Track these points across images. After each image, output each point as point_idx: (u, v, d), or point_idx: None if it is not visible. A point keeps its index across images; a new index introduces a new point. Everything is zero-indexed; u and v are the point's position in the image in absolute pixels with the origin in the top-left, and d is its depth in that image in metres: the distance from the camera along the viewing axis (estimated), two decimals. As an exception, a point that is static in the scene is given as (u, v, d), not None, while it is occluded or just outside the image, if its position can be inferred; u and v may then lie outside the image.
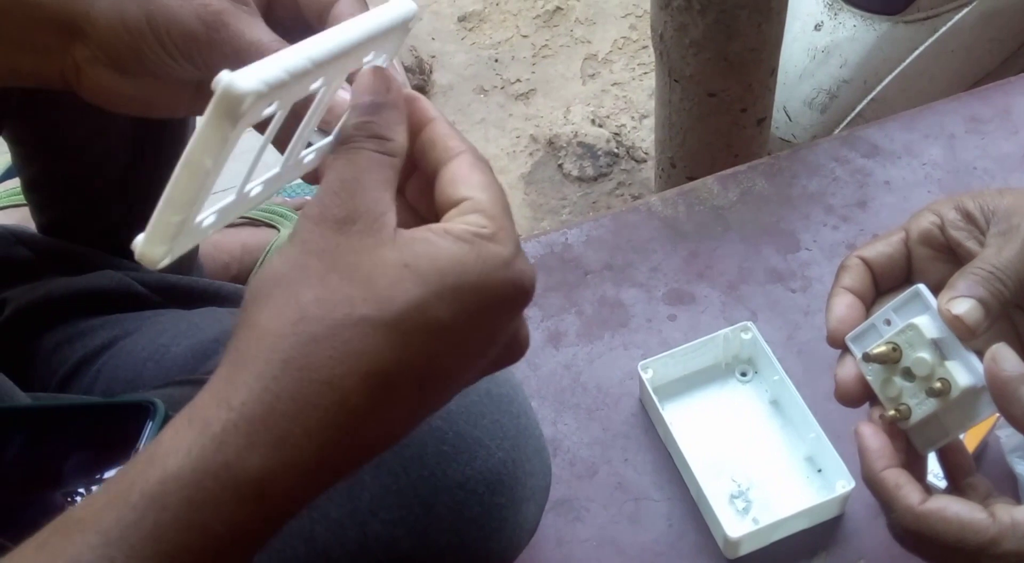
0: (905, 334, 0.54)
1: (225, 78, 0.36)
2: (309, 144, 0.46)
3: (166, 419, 0.56)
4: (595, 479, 0.84)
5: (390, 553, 0.59)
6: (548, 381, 0.91)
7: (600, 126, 1.63)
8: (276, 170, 0.46)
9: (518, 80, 1.72)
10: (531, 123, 1.65)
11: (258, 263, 1.15)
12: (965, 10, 1.32)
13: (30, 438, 0.58)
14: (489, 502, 0.61)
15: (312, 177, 0.47)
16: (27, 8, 0.47)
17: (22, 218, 1.01)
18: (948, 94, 1.15)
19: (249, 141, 0.42)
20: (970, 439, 0.79)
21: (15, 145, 0.86)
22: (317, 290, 0.39)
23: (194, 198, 0.39)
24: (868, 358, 0.55)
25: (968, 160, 1.04)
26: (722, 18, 1.06)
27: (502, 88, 1.71)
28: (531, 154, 1.61)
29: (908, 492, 0.52)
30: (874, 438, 0.55)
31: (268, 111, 0.39)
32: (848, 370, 0.57)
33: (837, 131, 1.38)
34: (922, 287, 0.55)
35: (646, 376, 0.85)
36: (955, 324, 0.53)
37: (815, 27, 1.38)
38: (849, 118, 1.39)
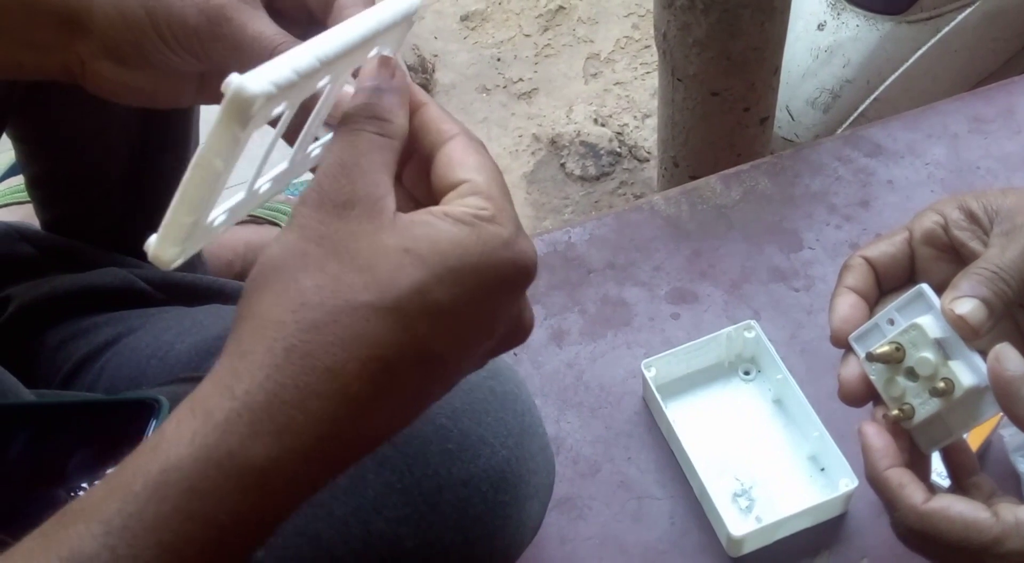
0: (908, 334, 0.54)
1: (235, 81, 0.36)
2: (316, 139, 0.46)
3: (170, 416, 0.56)
4: (598, 477, 0.84)
5: (394, 551, 0.59)
6: (551, 379, 0.91)
7: (602, 125, 1.63)
8: (284, 165, 0.46)
9: (520, 79, 1.72)
10: (533, 122, 1.65)
11: (260, 261, 1.15)
12: (968, 10, 1.32)
13: (34, 435, 0.58)
14: (493, 500, 0.61)
15: None
16: (28, 3, 0.48)
17: (26, 215, 1.01)
18: (951, 94, 1.14)
19: (256, 138, 0.42)
20: (973, 438, 0.79)
21: (19, 142, 0.87)
22: (316, 277, 0.39)
23: (206, 199, 0.39)
24: (871, 358, 0.55)
25: (971, 160, 1.04)
26: (725, 17, 1.06)
27: (504, 87, 1.71)
28: (533, 153, 1.61)
29: (912, 491, 0.52)
30: (878, 437, 0.55)
31: (277, 110, 0.39)
32: (852, 370, 0.57)
33: (840, 131, 1.38)
34: (925, 287, 0.55)
35: (649, 375, 0.85)
36: (958, 324, 0.53)
37: (818, 26, 1.38)
38: (852, 118, 1.39)
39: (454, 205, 0.42)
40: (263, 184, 0.44)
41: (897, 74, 1.35)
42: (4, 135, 0.84)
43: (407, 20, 0.46)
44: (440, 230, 0.40)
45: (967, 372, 0.53)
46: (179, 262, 0.40)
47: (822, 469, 0.82)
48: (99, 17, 0.47)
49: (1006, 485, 0.78)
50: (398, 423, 0.42)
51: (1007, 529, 0.50)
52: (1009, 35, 1.38)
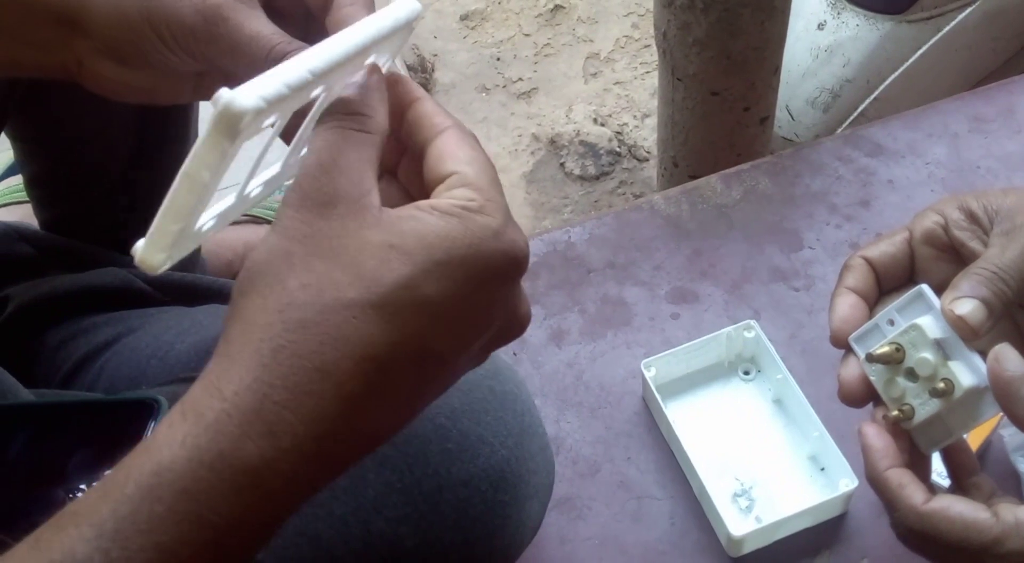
0: (908, 334, 0.54)
1: (225, 96, 0.36)
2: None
3: (169, 417, 0.56)
4: (598, 477, 0.84)
5: (394, 551, 0.59)
6: (551, 379, 0.91)
7: (602, 125, 1.63)
8: (276, 169, 0.46)
9: (520, 79, 1.72)
10: (533, 122, 1.65)
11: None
12: (968, 9, 1.32)
13: (33, 435, 0.58)
14: (493, 500, 0.61)
15: None
16: (25, 1, 0.47)
17: (24, 215, 1.01)
18: (951, 93, 1.14)
19: (250, 141, 0.42)
20: (973, 438, 0.79)
21: (18, 141, 0.86)
22: (302, 276, 0.39)
23: (193, 208, 0.39)
24: (871, 358, 0.55)
25: (972, 159, 1.04)
26: (725, 16, 1.06)
27: (504, 87, 1.71)
28: (533, 153, 1.61)
29: (912, 492, 0.52)
30: (878, 438, 0.55)
31: (268, 121, 0.39)
32: (851, 370, 0.57)
33: (840, 130, 1.38)
34: (925, 287, 0.55)
35: (649, 375, 0.85)
36: (958, 324, 0.53)
37: (818, 26, 1.38)
38: (852, 117, 1.39)
39: (442, 198, 0.41)
40: (254, 188, 0.44)
41: (897, 74, 1.35)
42: (3, 134, 0.84)
43: (408, 26, 0.46)
44: (426, 223, 0.40)
45: (967, 372, 0.53)
46: (166, 266, 0.41)
47: (822, 469, 0.82)
48: (96, 16, 0.47)
49: (1006, 485, 0.78)
50: (396, 421, 0.42)
51: (1007, 529, 0.50)
52: (1009, 34, 1.38)
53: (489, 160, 0.44)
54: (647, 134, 1.60)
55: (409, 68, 1.67)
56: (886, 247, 0.59)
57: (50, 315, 0.80)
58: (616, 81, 1.70)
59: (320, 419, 0.38)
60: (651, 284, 0.97)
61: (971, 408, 0.54)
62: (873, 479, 0.54)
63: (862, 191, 1.02)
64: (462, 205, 0.41)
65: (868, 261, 0.59)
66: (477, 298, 0.41)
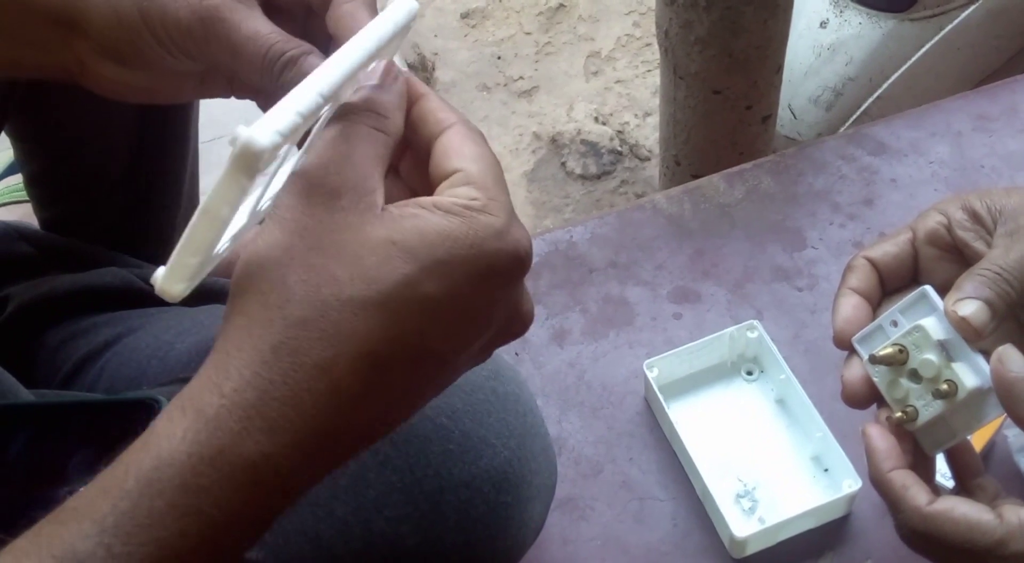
0: (912, 336, 0.54)
1: (244, 135, 0.36)
2: None
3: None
4: (600, 478, 0.84)
5: (395, 551, 0.59)
6: (552, 379, 0.91)
7: (603, 124, 1.63)
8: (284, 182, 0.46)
9: (521, 77, 1.71)
10: (534, 120, 1.65)
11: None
12: (971, 8, 1.32)
13: (33, 435, 0.57)
14: (495, 500, 0.61)
15: None
16: (24, 3, 0.47)
17: (24, 214, 1.01)
18: (954, 92, 1.14)
19: None
20: (977, 439, 0.78)
21: (17, 141, 0.86)
22: (301, 272, 0.38)
23: (212, 243, 0.40)
24: (875, 360, 0.55)
25: (975, 158, 1.04)
26: (727, 15, 1.05)
27: (505, 85, 1.71)
28: (534, 152, 1.61)
29: (915, 493, 0.52)
30: (881, 439, 0.55)
31: (282, 150, 0.40)
32: (855, 371, 0.57)
33: (843, 129, 1.38)
34: (928, 288, 0.55)
35: (651, 375, 0.85)
36: (961, 326, 0.52)
37: (821, 24, 1.38)
38: (855, 116, 1.39)
39: (445, 195, 0.41)
40: (264, 203, 0.44)
41: (900, 72, 1.35)
42: (3, 134, 0.84)
43: (406, 27, 0.46)
44: (428, 222, 0.39)
45: (970, 374, 0.53)
46: (186, 294, 0.41)
47: (825, 470, 0.82)
48: (94, 17, 0.46)
49: (1010, 486, 0.78)
50: (394, 418, 0.42)
51: (1011, 531, 0.50)
52: (1012, 33, 1.37)
53: (494, 156, 0.43)
54: (649, 133, 1.60)
55: (410, 66, 1.67)
56: (889, 247, 0.59)
57: (50, 315, 0.80)
58: (617, 80, 1.69)
59: (319, 415, 0.38)
60: (653, 284, 0.97)
61: (975, 409, 0.54)
62: (877, 480, 0.54)
63: (865, 190, 1.02)
64: (465, 204, 0.40)
65: (871, 261, 0.58)
66: (478, 298, 0.41)
